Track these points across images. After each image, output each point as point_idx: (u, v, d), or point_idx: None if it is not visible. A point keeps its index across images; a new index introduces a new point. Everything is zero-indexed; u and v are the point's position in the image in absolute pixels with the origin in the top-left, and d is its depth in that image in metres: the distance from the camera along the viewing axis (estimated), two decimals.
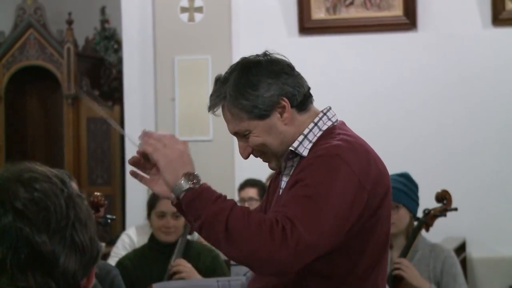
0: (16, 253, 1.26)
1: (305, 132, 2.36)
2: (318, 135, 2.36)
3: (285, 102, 2.34)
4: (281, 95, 2.34)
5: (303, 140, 2.35)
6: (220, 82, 2.38)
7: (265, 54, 2.40)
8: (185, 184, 2.22)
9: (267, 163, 2.47)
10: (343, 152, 2.26)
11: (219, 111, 2.39)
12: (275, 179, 2.51)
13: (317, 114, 2.39)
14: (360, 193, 2.25)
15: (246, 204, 5.84)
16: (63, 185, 1.33)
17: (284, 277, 2.25)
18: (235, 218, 2.17)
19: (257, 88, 2.33)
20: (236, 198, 6.06)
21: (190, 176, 2.23)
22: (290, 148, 2.35)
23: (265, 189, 5.73)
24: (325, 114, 2.40)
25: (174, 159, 2.25)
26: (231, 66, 2.41)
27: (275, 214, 2.20)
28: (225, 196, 2.24)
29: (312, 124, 2.37)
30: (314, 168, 2.25)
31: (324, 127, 2.37)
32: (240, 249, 2.18)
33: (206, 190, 2.23)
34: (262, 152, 2.40)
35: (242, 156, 2.42)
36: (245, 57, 2.42)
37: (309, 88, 2.41)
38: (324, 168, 2.24)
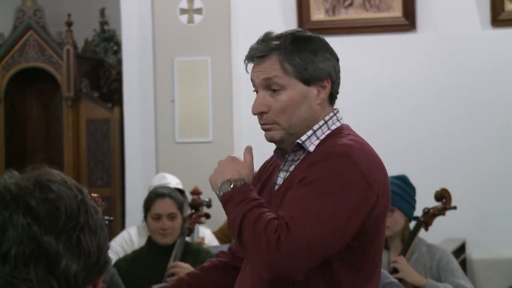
0: (21, 248, 1.29)
1: (315, 127, 2.34)
2: (326, 133, 2.35)
3: (328, 83, 2.37)
4: (329, 74, 2.37)
5: (311, 135, 2.33)
6: (273, 36, 2.35)
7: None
8: (220, 189, 2.29)
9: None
10: (354, 152, 2.25)
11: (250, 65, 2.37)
12: (269, 169, 2.47)
13: (329, 113, 2.39)
14: (368, 195, 2.22)
15: None
16: (79, 193, 1.37)
17: (295, 277, 2.20)
18: (245, 227, 2.20)
19: (315, 54, 2.35)
20: None
21: (223, 185, 2.29)
22: (298, 140, 2.33)
23: None
24: (335, 114, 2.40)
25: (219, 172, 2.32)
26: (281, 32, 2.38)
27: (278, 220, 2.20)
28: (250, 199, 2.25)
29: (322, 121, 2.36)
30: (322, 165, 2.24)
31: (333, 127, 2.36)
32: (250, 257, 2.24)
33: (232, 195, 2.26)
34: (272, 117, 2.35)
35: (254, 110, 2.36)
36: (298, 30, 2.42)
37: None
38: (333, 166, 2.23)
